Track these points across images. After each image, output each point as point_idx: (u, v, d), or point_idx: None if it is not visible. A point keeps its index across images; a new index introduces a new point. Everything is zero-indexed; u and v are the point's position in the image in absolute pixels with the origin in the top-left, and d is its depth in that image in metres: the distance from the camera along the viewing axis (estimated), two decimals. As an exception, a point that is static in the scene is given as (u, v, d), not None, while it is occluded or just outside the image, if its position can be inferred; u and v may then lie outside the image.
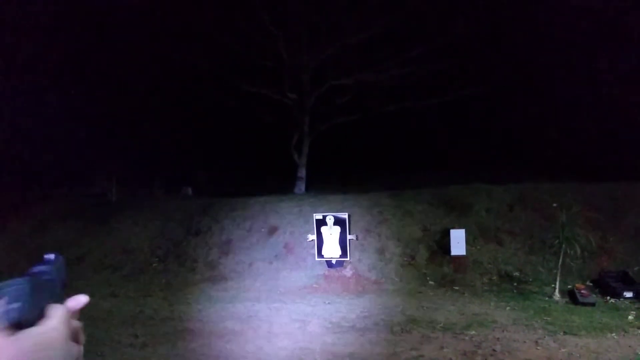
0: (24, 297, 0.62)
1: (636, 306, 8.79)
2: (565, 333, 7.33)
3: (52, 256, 0.75)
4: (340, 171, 19.38)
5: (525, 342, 7.00)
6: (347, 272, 11.25)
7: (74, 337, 0.69)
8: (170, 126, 19.46)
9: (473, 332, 7.49)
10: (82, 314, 0.72)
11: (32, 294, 0.63)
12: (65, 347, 0.65)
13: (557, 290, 9.41)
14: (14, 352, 0.59)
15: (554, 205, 10.49)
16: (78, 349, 0.69)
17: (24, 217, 14.60)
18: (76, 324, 0.70)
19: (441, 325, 7.92)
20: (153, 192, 16.56)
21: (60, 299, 0.69)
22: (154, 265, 12.40)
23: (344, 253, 11.23)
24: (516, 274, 10.76)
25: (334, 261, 11.28)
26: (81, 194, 16.18)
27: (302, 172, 17.78)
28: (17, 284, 0.62)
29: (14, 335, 0.60)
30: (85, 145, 18.76)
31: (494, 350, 6.65)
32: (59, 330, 0.65)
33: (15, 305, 0.61)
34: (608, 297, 9.31)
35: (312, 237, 11.49)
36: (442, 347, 6.81)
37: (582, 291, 9.27)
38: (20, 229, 14.13)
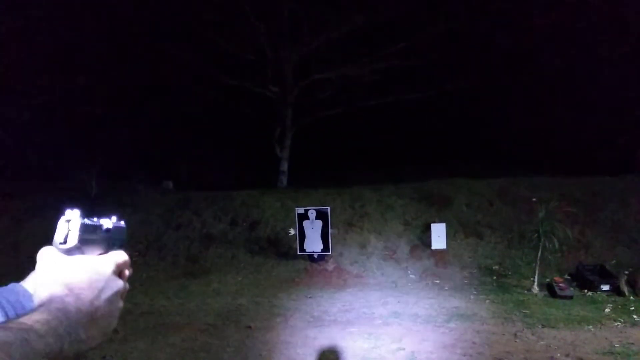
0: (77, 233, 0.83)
1: (612, 299, 8.94)
2: (543, 326, 7.43)
3: (115, 222, 0.95)
4: (323, 165, 19.37)
5: (504, 334, 7.08)
6: (329, 266, 11.27)
7: (120, 274, 0.91)
8: (151, 119, 19.25)
9: (453, 325, 7.56)
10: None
11: (82, 234, 0.84)
12: (110, 275, 0.86)
13: (535, 284, 9.54)
14: (70, 266, 0.82)
15: (533, 199, 10.62)
16: (123, 285, 0.90)
17: (3, 212, 14.33)
18: (124, 265, 0.92)
19: (422, 318, 7.98)
20: (133, 185, 16.37)
21: None
22: (134, 259, 12.29)
23: (325, 247, 11.23)
24: (496, 267, 10.89)
25: (315, 255, 11.28)
26: (60, 187, 15.90)
27: (284, 166, 17.76)
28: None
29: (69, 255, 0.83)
30: (64, 138, 18.49)
31: (473, 342, 6.72)
32: (106, 263, 0.86)
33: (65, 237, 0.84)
34: (585, 290, 9.46)
35: (294, 231, 11.48)
36: (422, 340, 6.86)
37: (560, 284, 9.41)
38: (-2, 223, 13.87)
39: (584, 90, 17.44)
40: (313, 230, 11.29)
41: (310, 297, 9.52)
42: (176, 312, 8.66)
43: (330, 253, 11.32)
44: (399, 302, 9.04)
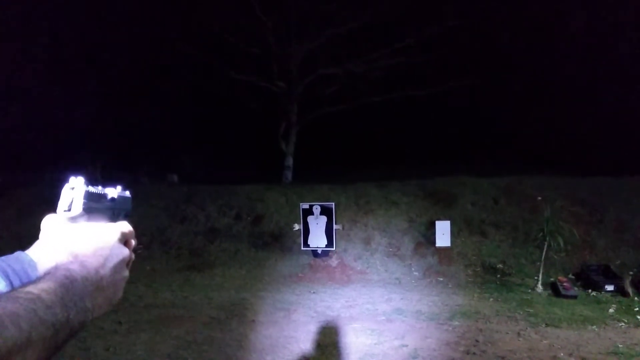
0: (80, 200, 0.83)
1: (617, 299, 8.91)
2: (547, 325, 7.42)
3: (120, 191, 0.95)
4: (328, 161, 19.35)
5: (507, 333, 7.07)
6: (333, 261, 11.27)
7: (125, 243, 0.89)
8: (157, 112, 19.27)
9: (456, 323, 7.55)
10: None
11: (87, 202, 0.83)
12: (116, 243, 0.85)
13: (539, 283, 9.52)
14: (75, 233, 0.81)
15: (539, 198, 10.60)
16: (129, 253, 0.88)
17: (7, 202, 14.40)
18: (129, 234, 0.91)
19: (425, 315, 7.97)
20: (138, 178, 16.41)
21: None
22: (138, 251, 12.23)
23: (329, 243, 11.23)
24: (500, 266, 10.87)
25: (319, 251, 11.29)
26: (64, 178, 15.90)
27: (290, 161, 17.75)
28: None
29: (74, 221, 0.83)
30: (70, 130, 18.54)
31: (476, 340, 6.70)
32: (111, 231, 0.85)
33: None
34: (590, 290, 9.43)
35: (298, 226, 11.49)
36: (425, 337, 6.86)
37: (564, 284, 9.38)
38: (3, 213, 13.93)
39: (590, 90, 17.37)
40: (317, 225, 11.29)
41: (313, 293, 9.53)
42: (180, 305, 8.69)
43: (334, 249, 11.32)
44: (402, 298, 9.04)
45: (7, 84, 17.63)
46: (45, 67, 18.45)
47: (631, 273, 9.69)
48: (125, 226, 0.90)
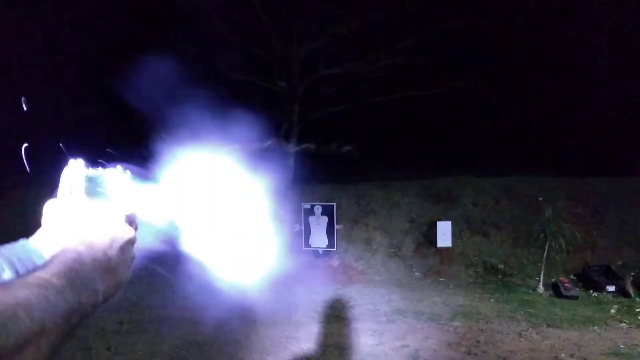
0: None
1: (618, 300, 8.91)
2: (548, 325, 7.42)
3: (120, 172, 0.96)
4: (329, 161, 19.33)
5: (508, 333, 7.07)
6: (334, 262, 11.26)
7: (131, 223, 0.89)
8: (160, 114, 19.27)
9: (457, 323, 7.55)
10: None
11: (88, 185, 0.85)
12: (121, 224, 0.85)
13: (541, 283, 9.51)
14: (79, 216, 0.82)
15: (540, 199, 10.58)
16: (134, 234, 0.88)
17: (8, 201, 14.41)
18: (133, 215, 0.91)
19: (426, 316, 7.97)
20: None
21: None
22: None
23: (331, 243, 11.22)
24: (501, 266, 10.86)
25: (321, 251, 11.28)
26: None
27: (290, 161, 17.73)
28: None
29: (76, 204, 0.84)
30: (73, 130, 18.55)
31: (477, 341, 6.70)
32: (116, 212, 0.86)
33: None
34: (591, 291, 9.43)
35: (299, 226, 11.48)
36: (426, 338, 6.86)
37: (566, 284, 9.38)
38: (3, 213, 13.93)
39: (592, 90, 17.35)
40: (319, 226, 11.28)
41: (314, 293, 9.52)
42: (181, 305, 8.68)
43: (335, 249, 11.31)
44: (403, 299, 9.04)
45: (6, 84, 17.62)
46: (43, 67, 18.46)
47: (632, 274, 9.69)
48: (128, 206, 0.90)
